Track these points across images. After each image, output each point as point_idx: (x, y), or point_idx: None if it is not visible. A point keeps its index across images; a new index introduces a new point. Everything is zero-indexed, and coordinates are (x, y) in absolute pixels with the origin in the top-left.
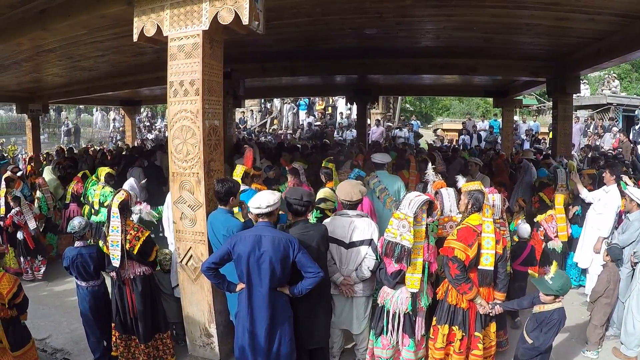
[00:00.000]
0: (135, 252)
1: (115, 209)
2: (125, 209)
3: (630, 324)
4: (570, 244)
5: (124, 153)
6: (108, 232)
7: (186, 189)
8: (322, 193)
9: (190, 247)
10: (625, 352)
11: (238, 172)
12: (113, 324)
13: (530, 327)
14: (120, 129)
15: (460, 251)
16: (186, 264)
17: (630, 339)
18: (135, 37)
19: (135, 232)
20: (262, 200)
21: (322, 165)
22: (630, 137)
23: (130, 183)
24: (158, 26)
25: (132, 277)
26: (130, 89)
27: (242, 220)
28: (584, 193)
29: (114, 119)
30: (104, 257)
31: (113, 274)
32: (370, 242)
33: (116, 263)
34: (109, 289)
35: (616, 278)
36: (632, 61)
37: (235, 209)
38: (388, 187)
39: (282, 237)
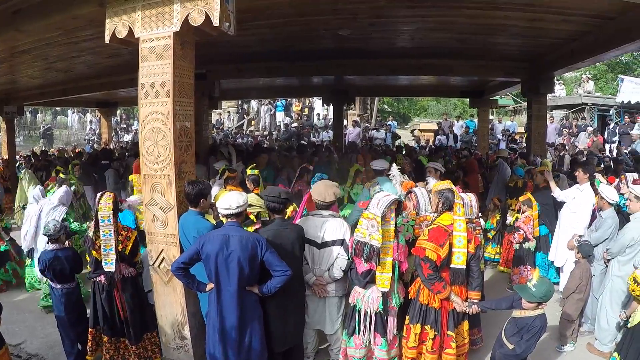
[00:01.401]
0: (127, 252)
1: (106, 212)
2: (116, 210)
3: (603, 319)
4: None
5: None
6: (97, 237)
7: (157, 191)
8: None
9: (162, 250)
10: (599, 348)
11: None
12: (92, 330)
13: (509, 332)
14: (97, 131)
15: (431, 251)
16: (158, 266)
17: (604, 334)
18: (107, 39)
19: (126, 233)
20: (232, 201)
21: (248, 172)
22: (605, 136)
23: (62, 190)
24: (130, 27)
25: (120, 279)
26: (106, 90)
27: (213, 221)
28: (557, 192)
29: (91, 121)
30: (80, 260)
31: (101, 278)
32: (342, 242)
33: (111, 267)
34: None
35: (588, 274)
36: (607, 62)
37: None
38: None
39: (250, 237)
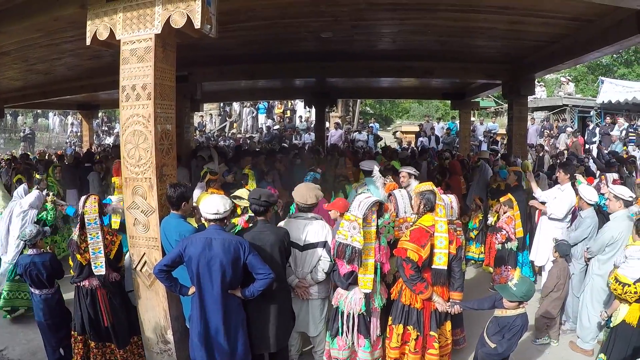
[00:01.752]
0: (112, 256)
1: (92, 215)
2: (102, 213)
3: (585, 318)
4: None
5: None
6: (82, 240)
7: (139, 194)
8: (239, 192)
9: (144, 253)
10: (582, 346)
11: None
12: (76, 335)
13: (491, 331)
14: (78, 133)
15: (413, 252)
16: (140, 270)
17: (585, 332)
18: (88, 41)
19: (111, 237)
20: (219, 205)
21: (244, 171)
22: (585, 137)
23: (33, 195)
24: (111, 29)
25: (106, 283)
26: (87, 92)
27: (195, 225)
28: (538, 192)
29: (72, 124)
30: (59, 265)
31: (85, 282)
32: (324, 244)
33: (101, 271)
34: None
35: (566, 273)
36: (587, 64)
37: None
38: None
39: (232, 240)
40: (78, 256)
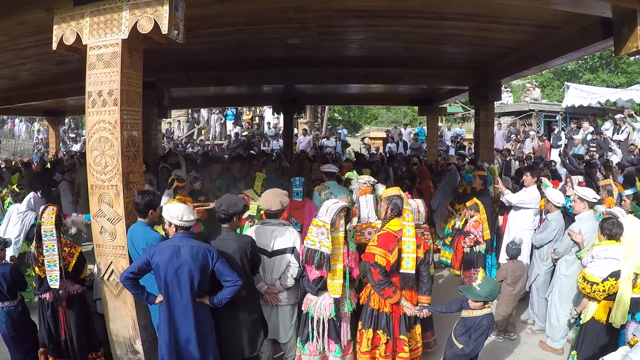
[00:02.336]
0: (70, 269)
1: (49, 227)
2: (59, 224)
3: (554, 317)
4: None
5: (47, 166)
6: (40, 252)
7: (105, 202)
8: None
9: (111, 262)
10: (552, 345)
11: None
12: (42, 349)
13: (458, 332)
14: (45, 140)
15: (381, 257)
16: (108, 279)
17: (555, 331)
18: (54, 46)
19: (69, 249)
20: (185, 212)
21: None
22: (551, 141)
23: (29, 197)
24: (77, 34)
25: (65, 296)
26: (53, 98)
27: (162, 232)
28: (510, 196)
29: (39, 130)
30: (22, 277)
31: (46, 295)
32: (292, 250)
33: (55, 284)
34: (41, 311)
35: (517, 273)
36: (553, 70)
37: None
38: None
39: (201, 247)
40: (36, 269)
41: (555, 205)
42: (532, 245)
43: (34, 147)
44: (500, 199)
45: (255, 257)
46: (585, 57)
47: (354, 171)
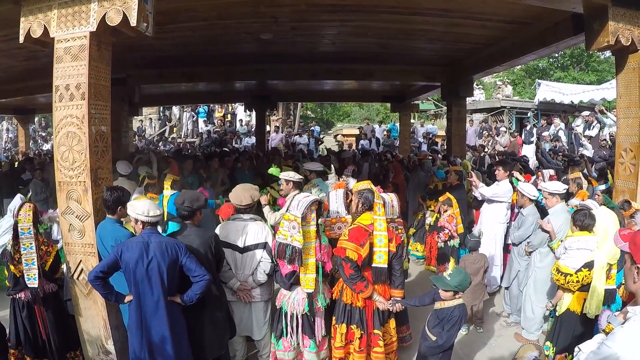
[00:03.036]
0: (47, 268)
1: (26, 224)
2: (36, 222)
3: (529, 309)
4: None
5: (16, 164)
6: (17, 250)
7: (73, 199)
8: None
9: (81, 261)
10: (527, 336)
11: (167, 181)
12: (13, 351)
13: (431, 324)
14: (14, 139)
15: (352, 251)
16: (77, 278)
17: (530, 323)
18: (21, 39)
19: (46, 248)
20: (151, 208)
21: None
22: (523, 137)
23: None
24: (45, 27)
25: (42, 295)
26: (22, 95)
27: (132, 229)
28: (483, 190)
29: (7, 129)
30: None
31: (22, 294)
32: (264, 246)
33: (34, 283)
34: (15, 311)
35: (476, 265)
36: (525, 67)
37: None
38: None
39: (170, 242)
40: (12, 267)
41: (529, 199)
42: (511, 241)
43: (3, 146)
44: (473, 192)
45: (219, 252)
46: (557, 55)
47: (275, 166)
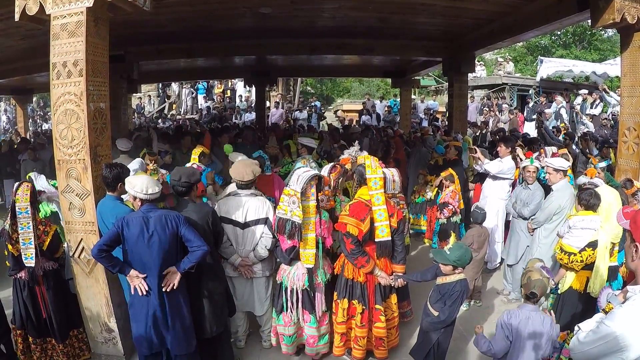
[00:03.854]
0: (44, 247)
1: (24, 204)
2: (34, 201)
3: None
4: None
5: (15, 146)
6: (15, 229)
7: (73, 177)
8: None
9: (82, 239)
10: None
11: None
12: (19, 331)
13: (433, 299)
14: (13, 120)
15: (353, 226)
16: (79, 256)
17: None
18: (17, 16)
19: (44, 227)
20: (149, 185)
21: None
22: (524, 114)
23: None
24: (41, 4)
25: (41, 273)
26: (19, 75)
27: (132, 206)
28: (486, 164)
29: (5, 110)
30: None
31: (22, 274)
32: (265, 221)
33: (31, 262)
34: (16, 291)
35: (482, 238)
36: (527, 44)
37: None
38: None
39: (169, 214)
40: (10, 247)
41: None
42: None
43: (3, 127)
44: (477, 168)
45: (217, 227)
46: (559, 32)
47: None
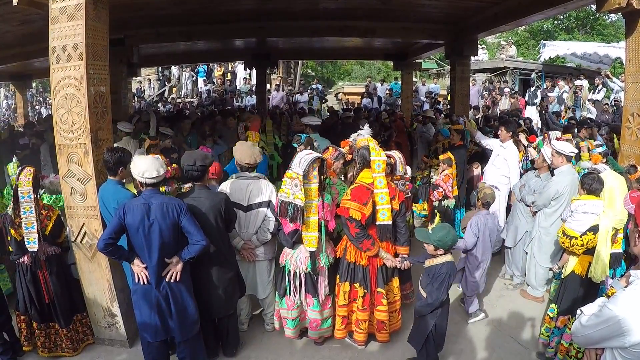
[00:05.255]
0: (47, 232)
1: (26, 188)
2: (36, 186)
3: (533, 268)
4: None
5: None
6: (17, 214)
7: (74, 162)
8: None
9: (84, 224)
10: (532, 293)
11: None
12: (23, 317)
13: (424, 282)
14: (12, 106)
15: (355, 210)
16: (81, 241)
17: (535, 281)
18: (15, 1)
19: (46, 212)
20: (152, 168)
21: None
22: (526, 98)
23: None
24: None
25: (44, 258)
26: (18, 61)
27: (134, 191)
28: (481, 138)
29: (5, 96)
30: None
31: (25, 258)
32: (268, 204)
33: (34, 247)
34: (19, 276)
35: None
36: (529, 29)
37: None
38: (322, 148)
39: (171, 202)
40: (12, 231)
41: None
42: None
43: (3, 113)
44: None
45: (229, 214)
46: (562, 17)
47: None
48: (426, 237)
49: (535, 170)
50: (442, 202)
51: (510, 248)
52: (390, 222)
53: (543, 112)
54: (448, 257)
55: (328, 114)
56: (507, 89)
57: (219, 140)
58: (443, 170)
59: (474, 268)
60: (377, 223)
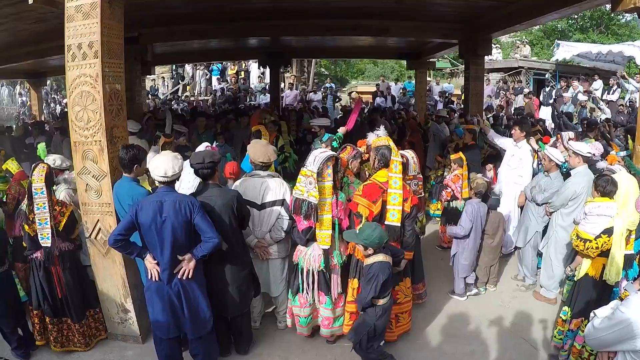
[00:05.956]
0: (60, 228)
1: (39, 184)
2: (50, 182)
3: (549, 269)
4: None
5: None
6: (31, 210)
7: (89, 159)
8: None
9: (98, 220)
10: (546, 295)
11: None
12: (36, 311)
13: (363, 281)
14: (27, 103)
15: (364, 207)
16: (95, 238)
17: (549, 282)
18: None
19: (60, 208)
20: (168, 167)
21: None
22: (541, 98)
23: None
24: None
25: (57, 254)
26: (33, 59)
27: (149, 188)
28: (494, 136)
29: (20, 94)
30: (6, 241)
31: (38, 254)
32: (282, 202)
33: (47, 242)
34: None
35: (496, 224)
36: (543, 28)
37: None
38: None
39: (184, 199)
40: (26, 227)
41: (556, 164)
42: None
43: (18, 110)
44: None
45: (242, 211)
46: (576, 16)
47: None
48: (353, 237)
49: (545, 172)
50: (451, 202)
51: (520, 249)
52: (399, 224)
53: (555, 112)
54: (379, 257)
55: (341, 112)
56: (525, 89)
57: (222, 142)
58: (453, 171)
59: (465, 251)
60: (385, 223)
